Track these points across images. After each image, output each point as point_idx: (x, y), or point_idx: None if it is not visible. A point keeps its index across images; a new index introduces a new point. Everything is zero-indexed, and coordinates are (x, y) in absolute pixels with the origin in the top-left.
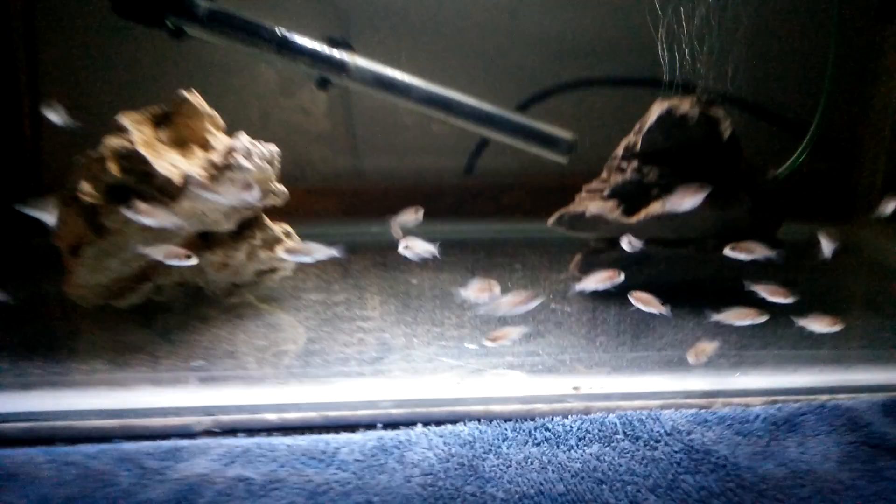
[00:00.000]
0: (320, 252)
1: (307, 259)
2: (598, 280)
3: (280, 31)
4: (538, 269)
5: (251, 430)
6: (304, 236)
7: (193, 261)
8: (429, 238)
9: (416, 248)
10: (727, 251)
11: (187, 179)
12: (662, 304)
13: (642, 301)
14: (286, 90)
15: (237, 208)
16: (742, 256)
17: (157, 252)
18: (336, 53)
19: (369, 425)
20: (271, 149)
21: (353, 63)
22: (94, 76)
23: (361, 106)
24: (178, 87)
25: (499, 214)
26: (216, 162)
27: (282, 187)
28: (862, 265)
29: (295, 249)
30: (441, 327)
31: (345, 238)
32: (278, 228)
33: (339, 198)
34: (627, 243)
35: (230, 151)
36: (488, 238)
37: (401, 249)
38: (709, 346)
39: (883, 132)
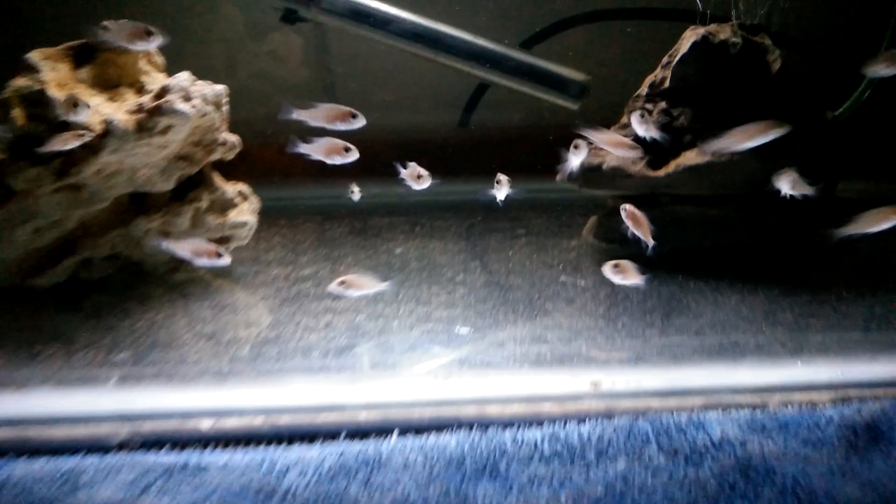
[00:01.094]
0: (370, 286)
1: (356, 294)
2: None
3: None
4: (544, 235)
5: (179, 443)
6: (273, 200)
7: (226, 260)
8: (421, 199)
9: None
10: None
11: (108, 127)
12: (643, 273)
13: (620, 271)
14: (255, 32)
15: (176, 163)
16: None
17: (181, 247)
18: None
19: (331, 435)
20: (217, 89)
21: None
22: (18, 16)
23: (340, 49)
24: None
25: (498, 172)
26: (146, 105)
27: (233, 137)
28: None
29: (349, 283)
30: (427, 306)
31: (321, 202)
32: (231, 188)
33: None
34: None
35: (163, 92)
36: (487, 199)
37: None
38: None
39: None
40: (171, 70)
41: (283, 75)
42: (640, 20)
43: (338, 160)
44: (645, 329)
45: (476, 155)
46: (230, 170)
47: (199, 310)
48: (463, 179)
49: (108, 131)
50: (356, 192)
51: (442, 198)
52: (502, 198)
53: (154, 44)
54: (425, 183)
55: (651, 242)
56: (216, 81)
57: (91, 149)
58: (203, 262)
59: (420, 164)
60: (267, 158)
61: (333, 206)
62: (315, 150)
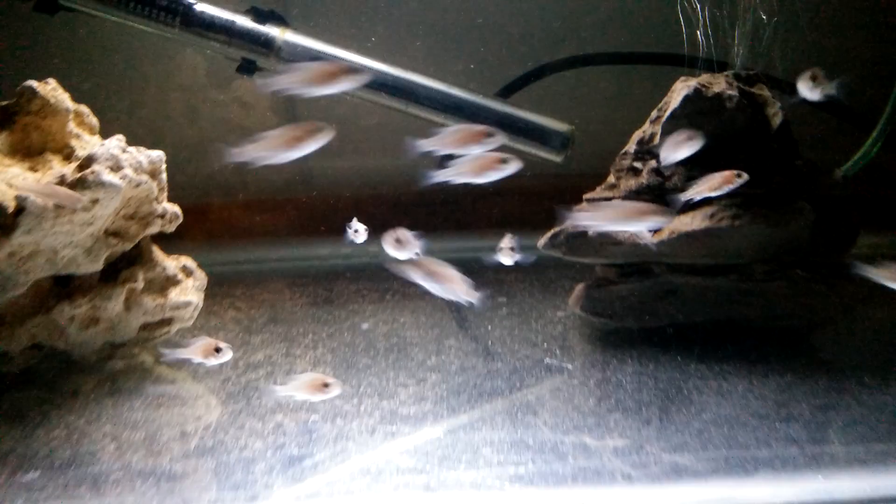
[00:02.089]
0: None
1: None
2: None
3: (187, 0)
4: (529, 304)
5: None
6: (234, 264)
7: (227, 355)
8: (385, 263)
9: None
10: None
11: (22, 203)
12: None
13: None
14: (219, 78)
15: (106, 240)
16: None
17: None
18: (262, 28)
19: None
20: (152, 156)
21: (282, 40)
22: None
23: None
24: (72, 78)
25: (477, 228)
26: (68, 177)
27: (172, 207)
28: None
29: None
30: (393, 401)
31: (286, 264)
32: (173, 264)
33: (284, 211)
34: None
35: (88, 162)
36: (465, 259)
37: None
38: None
39: None
40: (126, 124)
41: (249, 123)
42: (626, 64)
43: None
44: (640, 428)
45: (456, 208)
46: (186, 232)
47: (130, 410)
48: (441, 235)
49: (22, 208)
50: (361, 232)
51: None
52: (510, 263)
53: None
54: (408, 250)
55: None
56: (177, 131)
57: (2, 229)
58: (212, 361)
59: (392, 218)
60: (230, 216)
61: (299, 270)
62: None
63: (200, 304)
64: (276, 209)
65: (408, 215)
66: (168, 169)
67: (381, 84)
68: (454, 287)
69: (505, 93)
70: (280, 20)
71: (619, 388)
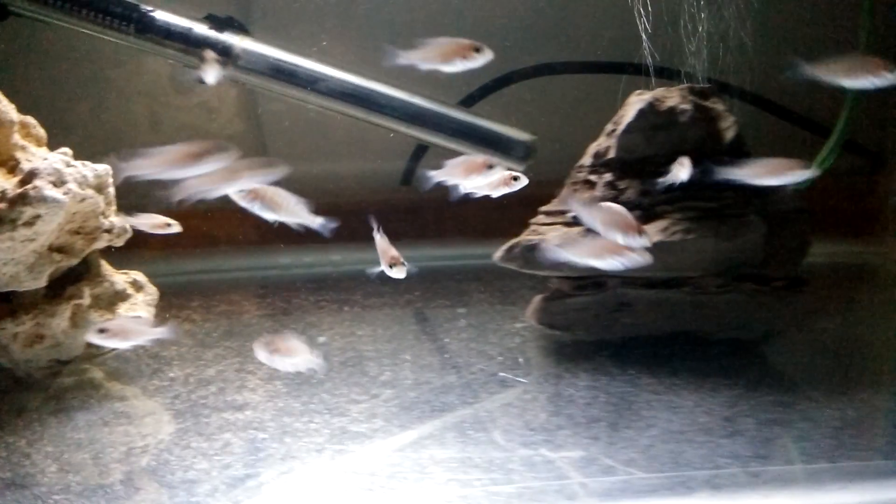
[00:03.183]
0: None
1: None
2: None
3: (143, 7)
4: (488, 315)
5: None
6: (192, 274)
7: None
8: (353, 270)
9: None
10: None
11: None
12: None
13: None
14: (183, 83)
15: (49, 255)
16: None
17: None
18: (218, 36)
19: None
20: (98, 170)
21: (240, 48)
22: None
23: (270, 100)
24: (32, 82)
25: (443, 236)
26: (9, 193)
27: (121, 221)
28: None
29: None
30: (344, 418)
31: (246, 274)
32: (122, 278)
33: (246, 221)
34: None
35: (30, 177)
36: (430, 269)
37: None
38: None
39: None
40: (87, 129)
41: (214, 129)
42: (586, 74)
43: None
44: (589, 446)
45: (419, 217)
46: (145, 241)
47: (74, 429)
48: (405, 244)
49: None
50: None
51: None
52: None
53: None
54: None
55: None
56: (139, 137)
57: None
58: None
59: (355, 226)
60: (191, 225)
61: (259, 280)
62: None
63: (150, 320)
64: (238, 217)
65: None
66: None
67: (342, 93)
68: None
69: (470, 101)
70: (238, 27)
71: (570, 404)
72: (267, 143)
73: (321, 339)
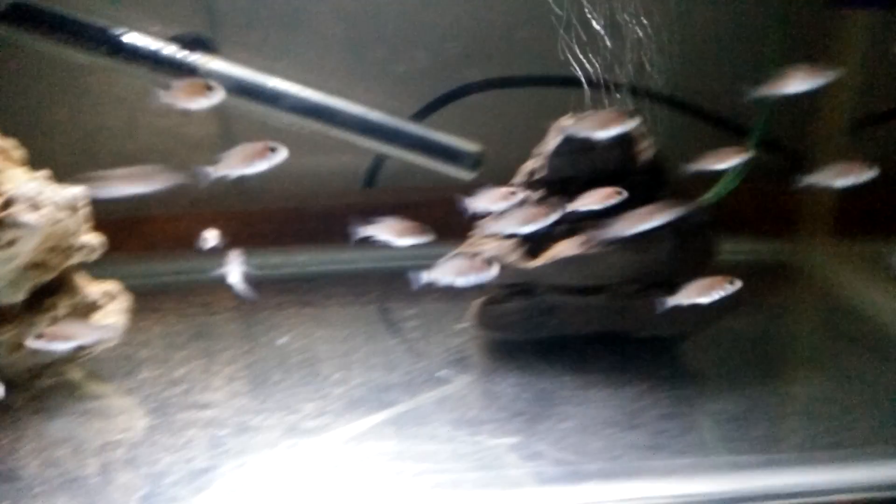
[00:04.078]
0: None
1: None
2: None
3: (114, 29)
4: (436, 316)
5: None
6: (167, 275)
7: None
8: (319, 270)
9: None
10: None
11: None
12: None
13: None
14: (158, 88)
15: (27, 272)
16: None
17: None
18: (185, 56)
19: None
20: (70, 194)
21: (204, 67)
22: None
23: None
24: (4, 89)
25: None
26: None
27: (94, 239)
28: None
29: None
30: (297, 415)
31: (217, 276)
32: (96, 289)
33: (224, 222)
34: None
35: (7, 203)
36: (389, 270)
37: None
38: None
39: (833, 137)
40: (63, 135)
41: (189, 132)
42: (532, 87)
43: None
44: (509, 437)
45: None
46: (123, 243)
47: (52, 428)
48: (367, 246)
49: None
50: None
51: (340, 268)
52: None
53: None
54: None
55: None
56: (115, 142)
57: None
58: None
59: (319, 229)
60: (167, 227)
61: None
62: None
63: (123, 325)
64: (216, 219)
65: (341, 225)
66: None
67: (300, 108)
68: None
69: (425, 112)
70: (206, 47)
71: (497, 399)
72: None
73: (281, 341)
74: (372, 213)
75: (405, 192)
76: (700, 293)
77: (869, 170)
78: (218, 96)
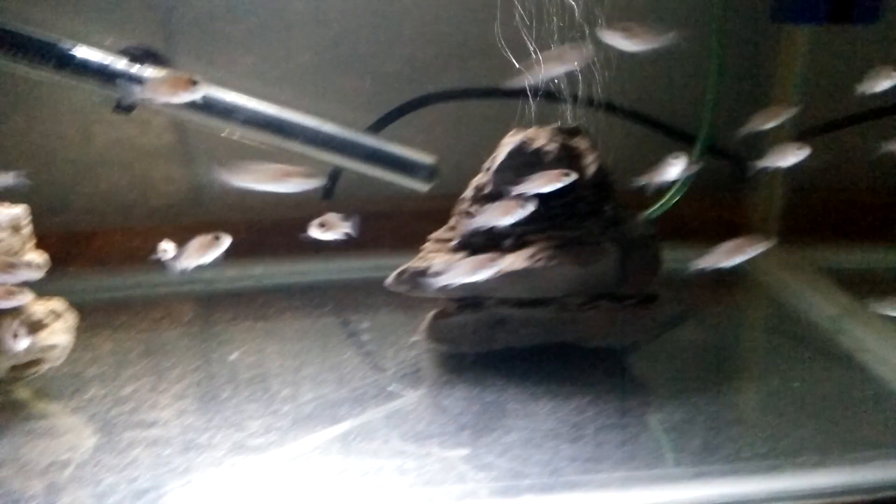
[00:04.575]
0: None
1: None
2: None
3: (61, 43)
4: (390, 328)
5: None
6: (120, 290)
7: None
8: (277, 282)
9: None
10: None
11: None
12: None
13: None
14: (114, 98)
15: None
16: None
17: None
18: (136, 70)
19: None
20: (13, 213)
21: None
22: None
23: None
24: None
25: (362, 248)
26: None
27: (39, 257)
28: (761, 305)
29: None
30: (244, 432)
31: (170, 290)
32: (41, 307)
33: (172, 236)
34: None
35: None
36: (343, 281)
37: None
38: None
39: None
40: (18, 145)
41: (145, 142)
42: (478, 99)
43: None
44: (454, 450)
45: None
46: (77, 256)
47: (1, 446)
48: (323, 257)
49: None
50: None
51: (297, 280)
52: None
53: None
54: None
55: None
56: (71, 152)
57: None
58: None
59: (279, 241)
60: (121, 241)
61: (183, 295)
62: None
63: (70, 344)
64: (172, 232)
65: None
66: (62, 191)
67: (255, 122)
68: None
69: (382, 124)
70: (157, 59)
71: (445, 413)
72: (194, 156)
73: (232, 357)
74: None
75: (364, 204)
76: (732, 254)
77: (802, 149)
78: (202, 91)
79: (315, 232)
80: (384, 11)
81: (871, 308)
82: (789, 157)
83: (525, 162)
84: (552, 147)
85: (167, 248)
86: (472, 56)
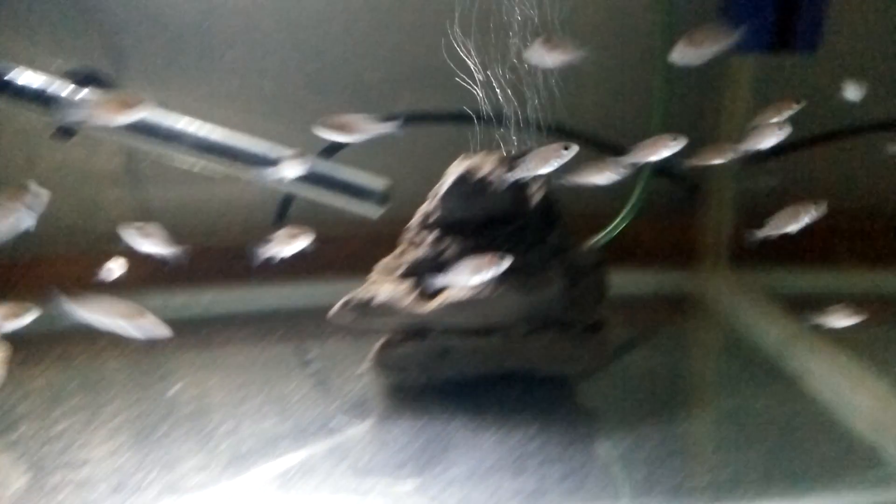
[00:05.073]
0: None
1: None
2: None
3: (2, 66)
4: (338, 358)
5: None
6: (61, 320)
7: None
8: (227, 310)
9: None
10: None
11: None
12: None
13: None
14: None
15: None
16: None
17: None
18: (77, 95)
19: None
20: None
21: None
22: None
23: None
24: None
25: (313, 274)
26: None
27: None
28: (710, 330)
29: None
30: (177, 471)
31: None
32: None
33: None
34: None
35: None
36: (292, 309)
37: None
38: None
39: (728, 171)
40: None
41: (94, 166)
42: (426, 124)
43: None
44: (397, 486)
45: (290, 256)
46: (16, 285)
47: None
48: (277, 283)
49: None
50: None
51: (246, 307)
52: None
53: None
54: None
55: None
56: (15, 178)
57: None
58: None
59: (229, 267)
60: (63, 269)
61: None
62: None
63: (1, 379)
64: (118, 258)
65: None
66: None
67: (200, 147)
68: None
69: (333, 149)
70: (101, 82)
71: (388, 446)
72: (143, 180)
73: (172, 391)
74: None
75: (317, 227)
76: (789, 221)
77: (676, 140)
78: (145, 111)
79: (271, 248)
80: (337, 36)
81: (812, 322)
82: (662, 150)
83: (470, 190)
84: (498, 175)
85: (112, 268)
86: (425, 79)
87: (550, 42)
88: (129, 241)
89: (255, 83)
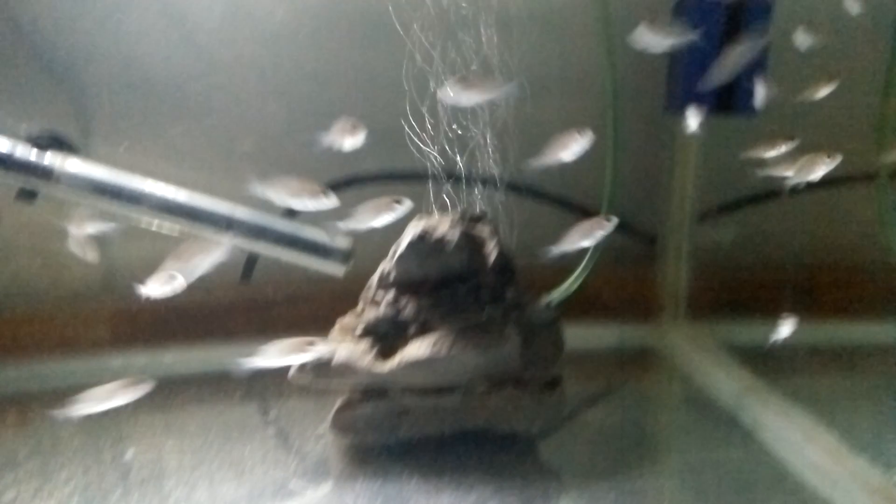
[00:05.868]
0: None
1: None
2: None
3: None
4: (298, 418)
5: None
6: (16, 382)
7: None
8: (185, 371)
9: None
10: None
11: None
12: None
13: None
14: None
15: None
16: None
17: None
18: (39, 160)
19: None
20: None
21: (61, 170)
22: None
23: None
24: None
25: (278, 333)
26: None
27: None
28: (669, 384)
29: None
30: None
31: (70, 381)
32: None
33: (75, 324)
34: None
35: None
36: (256, 368)
37: None
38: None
39: (683, 226)
40: None
41: (57, 224)
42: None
43: None
44: None
45: (257, 314)
46: None
47: None
48: (241, 342)
49: None
50: None
51: (207, 368)
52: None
53: None
54: None
55: None
56: None
57: None
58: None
59: (195, 327)
60: (23, 329)
61: (85, 386)
62: None
63: None
64: (82, 318)
65: (217, 319)
66: None
67: (167, 209)
68: None
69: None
70: (64, 146)
71: None
72: (107, 240)
73: (128, 455)
74: (245, 308)
75: (284, 286)
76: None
77: (583, 135)
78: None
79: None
80: (307, 93)
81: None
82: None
83: (427, 250)
84: (453, 235)
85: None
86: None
87: (465, 81)
88: None
89: (223, 144)
